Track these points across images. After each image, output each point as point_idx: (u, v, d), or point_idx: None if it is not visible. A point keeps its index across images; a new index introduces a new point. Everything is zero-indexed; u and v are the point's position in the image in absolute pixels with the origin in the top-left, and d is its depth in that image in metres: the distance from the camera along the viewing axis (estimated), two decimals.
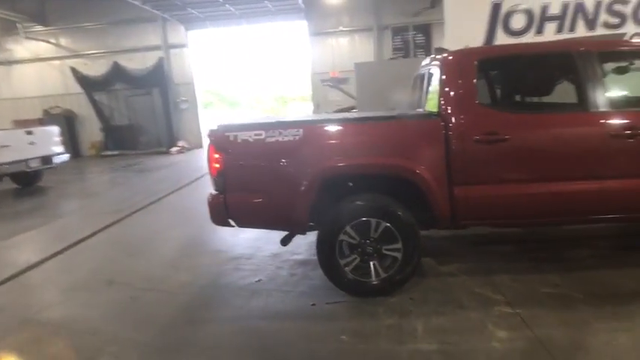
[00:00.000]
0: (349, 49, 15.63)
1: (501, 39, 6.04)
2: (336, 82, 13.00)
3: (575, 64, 3.13)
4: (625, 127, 3.01)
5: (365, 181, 3.24)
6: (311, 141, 3.16)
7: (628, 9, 5.82)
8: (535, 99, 3.94)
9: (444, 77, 3.25)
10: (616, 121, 3.06)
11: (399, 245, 3.16)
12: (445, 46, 6.29)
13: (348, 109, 12.04)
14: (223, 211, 3.27)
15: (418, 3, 14.52)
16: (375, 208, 3.15)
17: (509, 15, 5.98)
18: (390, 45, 15.17)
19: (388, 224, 3.13)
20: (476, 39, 6.04)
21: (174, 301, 3.48)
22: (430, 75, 3.68)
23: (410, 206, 3.18)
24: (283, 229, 3.48)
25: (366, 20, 15.35)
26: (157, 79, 15.83)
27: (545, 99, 3.61)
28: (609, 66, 3.29)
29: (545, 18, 5.95)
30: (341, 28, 15.45)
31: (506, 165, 3.11)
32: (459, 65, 3.24)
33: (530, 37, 5.98)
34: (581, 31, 5.91)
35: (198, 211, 5.08)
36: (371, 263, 3.22)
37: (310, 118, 3.95)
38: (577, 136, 3.11)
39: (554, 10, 5.90)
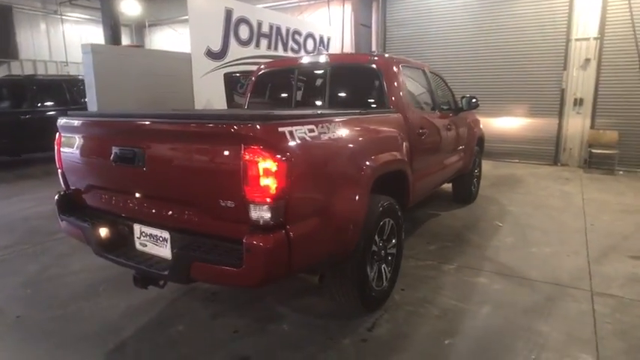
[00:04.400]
0: None
1: (233, 46, 6.24)
2: None
3: (428, 78, 4.26)
4: (448, 122, 4.47)
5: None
6: (355, 137, 2.55)
7: (301, 39, 7.60)
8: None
9: (385, 78, 3.44)
10: (444, 119, 4.45)
11: (395, 241, 3.15)
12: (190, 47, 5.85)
13: None
14: (286, 257, 2.00)
15: None
16: (392, 207, 2.98)
17: (238, 24, 6.26)
18: None
19: (393, 222, 3.06)
20: (215, 43, 5.96)
21: None
22: (333, 73, 3.71)
23: None
24: (332, 261, 2.51)
25: None
26: None
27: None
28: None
29: (260, 34, 6.69)
30: None
31: (427, 152, 3.82)
32: (393, 69, 3.53)
33: (252, 49, 6.54)
34: (280, 51, 7.12)
35: None
36: (383, 267, 3.02)
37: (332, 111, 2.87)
38: (440, 127, 4.25)
39: (265, 28, 6.76)
